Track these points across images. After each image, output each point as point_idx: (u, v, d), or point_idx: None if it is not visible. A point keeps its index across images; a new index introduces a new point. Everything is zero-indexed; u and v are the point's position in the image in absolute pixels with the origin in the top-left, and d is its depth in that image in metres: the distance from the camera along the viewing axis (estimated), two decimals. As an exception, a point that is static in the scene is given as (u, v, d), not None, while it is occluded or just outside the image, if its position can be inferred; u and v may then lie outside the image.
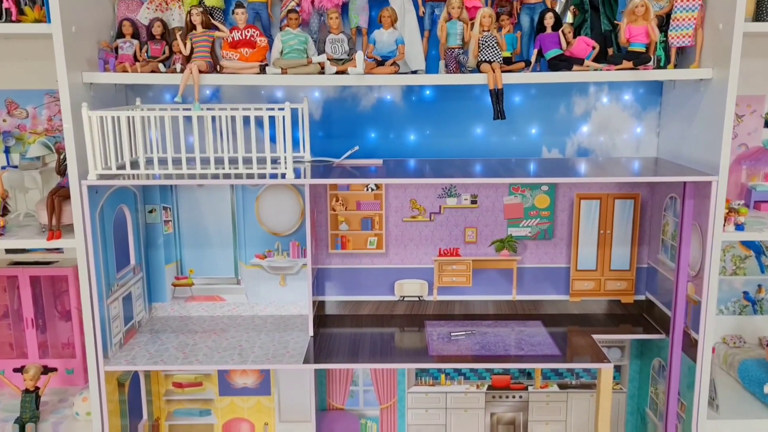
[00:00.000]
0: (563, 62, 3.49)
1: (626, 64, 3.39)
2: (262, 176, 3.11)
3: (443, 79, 3.49)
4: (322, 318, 3.71)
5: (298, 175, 3.19)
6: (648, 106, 3.94)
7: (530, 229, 3.71)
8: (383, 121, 3.94)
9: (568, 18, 3.76)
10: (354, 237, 3.73)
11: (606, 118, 3.96)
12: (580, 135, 3.97)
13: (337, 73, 3.46)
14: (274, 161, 3.22)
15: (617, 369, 3.91)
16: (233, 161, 3.27)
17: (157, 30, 3.56)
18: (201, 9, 3.45)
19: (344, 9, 3.73)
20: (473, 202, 3.78)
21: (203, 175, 3.11)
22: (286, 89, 3.89)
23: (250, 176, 3.10)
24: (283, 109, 3.06)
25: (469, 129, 3.96)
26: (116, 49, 3.55)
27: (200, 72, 3.34)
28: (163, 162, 3.31)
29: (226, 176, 3.12)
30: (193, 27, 3.47)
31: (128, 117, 3.17)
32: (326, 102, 3.92)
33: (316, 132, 3.93)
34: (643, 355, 3.82)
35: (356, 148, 3.68)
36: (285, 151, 3.06)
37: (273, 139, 3.23)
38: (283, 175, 3.08)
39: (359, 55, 3.29)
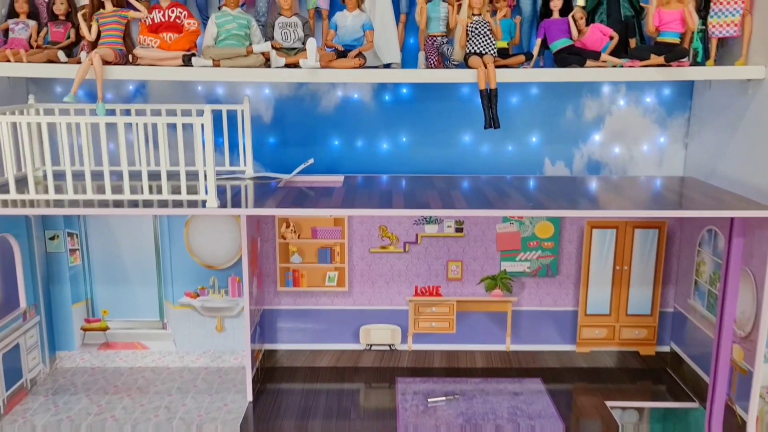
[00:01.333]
0: (574, 56, 2.76)
1: (655, 59, 2.66)
2: (177, 204, 2.35)
3: (422, 75, 2.77)
4: (268, 371, 3.00)
5: (224, 203, 2.43)
6: (675, 111, 3.25)
7: (529, 264, 3.00)
8: (349, 125, 3.27)
9: (579, 0, 3.02)
10: (309, 271, 3.09)
11: (623, 124, 3.29)
12: (591, 145, 3.27)
13: (286, 66, 2.71)
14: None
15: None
16: (156, 176, 2.50)
17: (60, 8, 2.84)
18: (110, -19, 2.68)
19: (300, -18, 2.99)
20: (458, 230, 3.03)
21: (99, 202, 2.35)
22: (227, 85, 3.14)
23: (162, 204, 2.35)
24: (202, 113, 2.30)
25: (455, 136, 3.26)
26: (6, 31, 2.79)
27: (107, 63, 2.58)
28: (61, 177, 2.54)
29: (132, 204, 2.36)
30: (101, 4, 2.71)
31: (7, 123, 2.40)
32: (278, 101, 3.21)
33: (265, 138, 3.21)
34: (666, 419, 3.10)
35: (310, 161, 2.94)
36: (206, 174, 2.29)
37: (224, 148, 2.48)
38: (203, 203, 2.32)
39: (311, 43, 2.55)
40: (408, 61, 3.04)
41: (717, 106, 3.00)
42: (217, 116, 2.88)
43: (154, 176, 2.50)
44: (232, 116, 2.94)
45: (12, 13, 2.84)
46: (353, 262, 3.07)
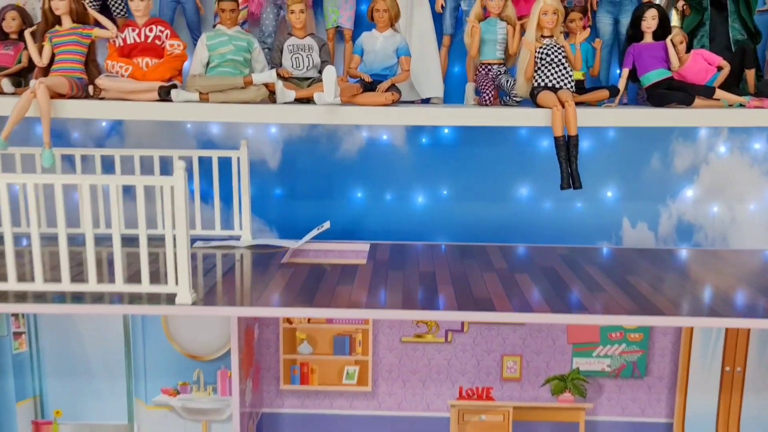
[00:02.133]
0: (676, 91, 2.09)
1: (794, 97, 1.96)
2: (135, 298, 1.67)
3: (475, 116, 2.14)
4: (267, 494, 2.28)
5: (208, 293, 1.75)
6: (791, 161, 2.54)
7: (610, 361, 2.30)
8: (375, 174, 2.70)
9: (674, 19, 2.37)
10: (322, 365, 2.45)
11: (723, 177, 2.72)
12: (682, 203, 2.64)
13: (297, 101, 2.08)
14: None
15: None
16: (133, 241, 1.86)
17: (11, 25, 2.30)
18: (69, -11, 2.06)
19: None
20: (517, 314, 2.34)
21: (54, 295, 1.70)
22: (223, 122, 2.51)
23: (135, 298, 1.67)
24: (189, 162, 1.63)
25: (510, 189, 2.68)
26: None
27: (58, 96, 1.95)
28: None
29: (76, 298, 1.70)
30: (57, 20, 2.08)
31: None
32: (288, 143, 2.63)
33: (270, 189, 2.60)
34: None
35: (326, 225, 2.30)
36: (175, 258, 1.62)
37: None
38: (173, 297, 1.64)
39: (329, 73, 1.90)
40: (452, 93, 2.51)
41: None
42: (208, 163, 2.24)
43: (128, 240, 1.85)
44: (226, 162, 2.30)
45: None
46: (379, 354, 2.38)
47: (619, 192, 2.62)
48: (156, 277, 1.76)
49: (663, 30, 2.24)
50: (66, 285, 1.67)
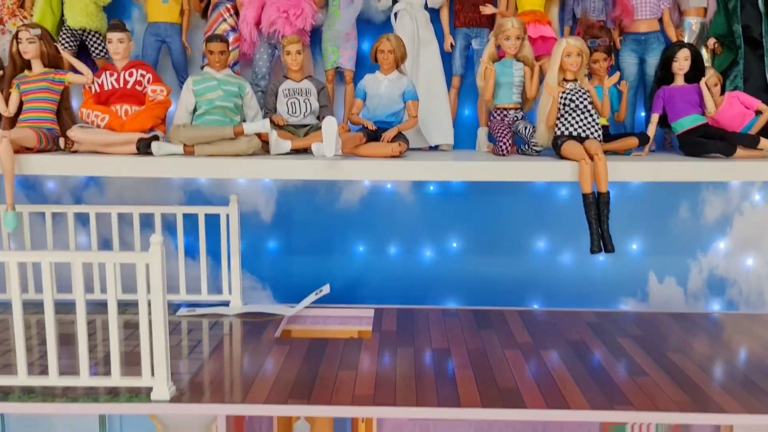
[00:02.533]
0: (715, 140, 1.89)
1: None
2: (112, 395, 1.43)
3: (491, 171, 1.89)
4: None
5: (193, 383, 1.51)
6: (831, 209, 2.33)
7: None
8: (379, 226, 2.43)
9: (705, 58, 2.17)
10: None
11: (759, 228, 2.47)
12: (714, 256, 2.43)
13: (293, 152, 1.87)
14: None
15: None
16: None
17: None
18: (39, 31, 1.84)
19: (315, 38, 2.15)
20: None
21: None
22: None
23: (86, 394, 1.43)
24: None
25: (526, 242, 2.43)
26: None
27: (25, 150, 1.73)
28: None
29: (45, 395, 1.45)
30: (27, 65, 1.87)
31: None
32: (283, 193, 2.37)
33: (263, 243, 2.36)
34: None
35: (324, 290, 2.05)
36: (151, 347, 1.37)
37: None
38: (148, 395, 1.40)
39: (329, 126, 1.68)
40: (463, 139, 2.29)
41: None
42: (194, 220, 2.02)
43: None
44: (215, 216, 2.08)
45: None
46: None
47: (644, 244, 2.39)
48: (134, 358, 1.51)
49: (696, 71, 2.03)
50: (23, 378, 1.42)
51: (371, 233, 2.42)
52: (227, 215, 2.00)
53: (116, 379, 1.37)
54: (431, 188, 2.42)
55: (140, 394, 1.43)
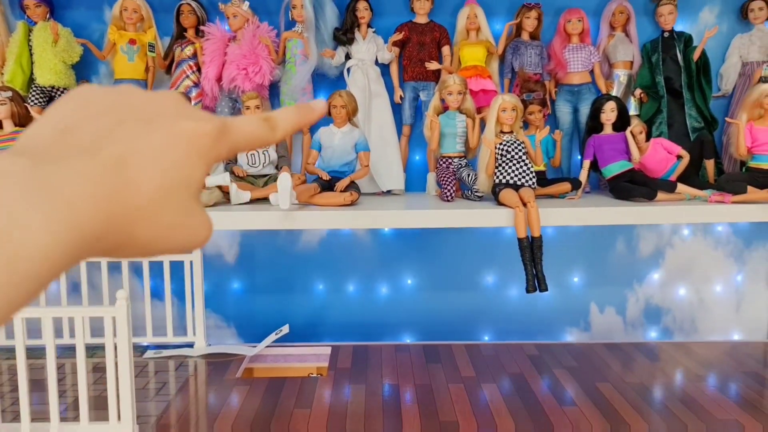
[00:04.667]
0: (639, 186, 2.07)
1: (754, 192, 1.95)
2: None
3: (438, 219, 2.03)
4: None
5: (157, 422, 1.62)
6: (755, 241, 2.56)
7: None
8: (337, 266, 2.51)
9: (632, 107, 2.36)
10: None
11: (688, 259, 2.59)
12: (649, 286, 2.58)
13: (252, 201, 2.00)
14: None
15: None
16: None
17: None
18: (10, 93, 1.97)
19: (273, 91, 2.30)
20: None
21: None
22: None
23: None
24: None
25: (475, 278, 2.55)
26: None
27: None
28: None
29: None
30: (-2, 124, 2.00)
31: None
32: (245, 237, 2.48)
33: (227, 284, 2.48)
34: None
35: (284, 330, 2.18)
36: (118, 400, 1.49)
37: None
38: None
39: (283, 182, 1.82)
40: (413, 182, 2.43)
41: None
42: (160, 263, 2.13)
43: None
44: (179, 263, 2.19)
45: None
46: None
47: (585, 277, 2.56)
48: (103, 402, 1.62)
49: (622, 121, 2.22)
50: None
51: (330, 272, 2.54)
52: (191, 261, 2.12)
53: (84, 425, 1.47)
54: (385, 230, 2.58)
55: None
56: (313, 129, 2.30)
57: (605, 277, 2.56)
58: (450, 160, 2.19)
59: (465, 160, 2.20)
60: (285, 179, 1.84)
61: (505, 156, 2.05)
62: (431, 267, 2.54)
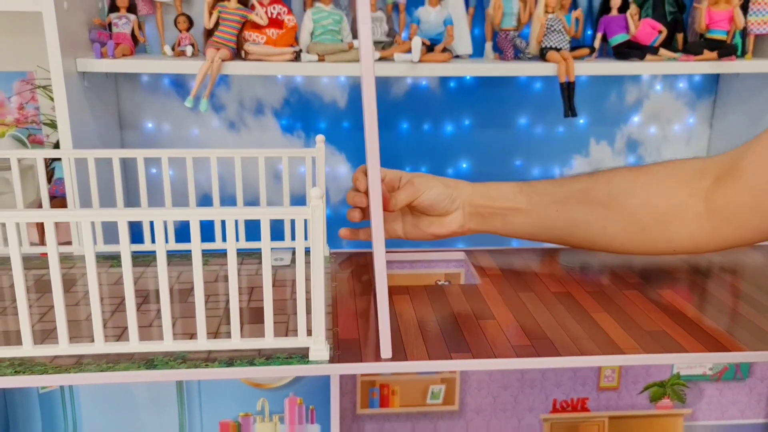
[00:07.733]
0: (634, 50, 3.09)
1: (708, 54, 3.02)
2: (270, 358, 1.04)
3: (500, 69, 3.02)
4: None
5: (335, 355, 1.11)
6: (703, 95, 3.62)
7: (713, 364, 1.59)
8: (418, 110, 3.47)
9: (631, -4, 3.36)
10: (404, 386, 1.94)
11: (658, 107, 3.61)
12: (631, 126, 3.62)
13: (380, 59, 2.95)
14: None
15: None
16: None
17: None
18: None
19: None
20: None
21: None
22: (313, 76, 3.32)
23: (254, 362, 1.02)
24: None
25: (512, 119, 3.54)
26: (109, 25, 2.89)
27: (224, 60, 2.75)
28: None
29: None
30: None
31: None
32: (353, 88, 3.41)
33: (339, 123, 3.42)
34: None
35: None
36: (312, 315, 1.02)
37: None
38: (304, 357, 1.03)
39: (416, 42, 2.79)
40: (474, 50, 3.23)
41: (743, 93, 3.41)
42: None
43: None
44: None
45: (113, 7, 2.92)
46: (468, 371, 1.50)
47: (588, 120, 3.63)
48: (254, 316, 1.16)
49: (624, 5, 3.23)
50: (135, 345, 1.01)
51: (411, 115, 3.53)
52: (312, 158, 1.70)
53: (269, 341, 1.04)
54: (452, 84, 3.52)
55: (294, 356, 1.05)
56: (410, 9, 3.21)
57: (602, 119, 3.59)
58: (507, 33, 3.15)
59: (517, 32, 3.18)
60: (418, 41, 2.81)
61: (549, 29, 3.04)
62: (482, 112, 3.50)
